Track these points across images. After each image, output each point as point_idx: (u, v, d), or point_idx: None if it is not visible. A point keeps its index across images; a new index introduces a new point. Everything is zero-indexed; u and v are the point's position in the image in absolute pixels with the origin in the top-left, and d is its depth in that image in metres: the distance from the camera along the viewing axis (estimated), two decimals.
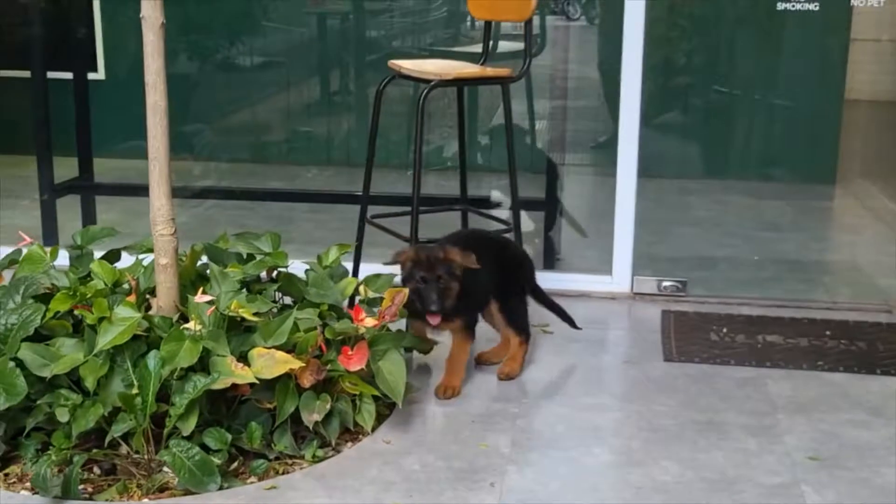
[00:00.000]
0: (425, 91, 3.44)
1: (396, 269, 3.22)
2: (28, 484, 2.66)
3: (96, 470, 2.73)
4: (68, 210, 4.73)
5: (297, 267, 3.26)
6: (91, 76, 5.64)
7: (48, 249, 3.21)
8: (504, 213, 4.07)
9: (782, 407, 3.11)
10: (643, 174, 4.13)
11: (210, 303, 2.89)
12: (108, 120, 5.41)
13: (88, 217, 4.72)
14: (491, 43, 3.87)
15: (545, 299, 3.53)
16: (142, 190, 4.53)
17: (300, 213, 4.99)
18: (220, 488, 2.62)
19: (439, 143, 5.50)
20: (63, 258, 3.25)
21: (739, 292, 4.10)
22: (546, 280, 4.13)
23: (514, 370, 3.34)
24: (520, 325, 3.38)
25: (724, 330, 3.73)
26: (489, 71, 3.63)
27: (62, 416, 2.67)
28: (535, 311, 3.83)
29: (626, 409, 3.11)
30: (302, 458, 2.80)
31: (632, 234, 4.07)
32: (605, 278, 4.12)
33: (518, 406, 3.12)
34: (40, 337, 2.84)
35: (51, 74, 4.71)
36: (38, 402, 2.73)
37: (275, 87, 6.25)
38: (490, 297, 3.33)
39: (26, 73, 5.09)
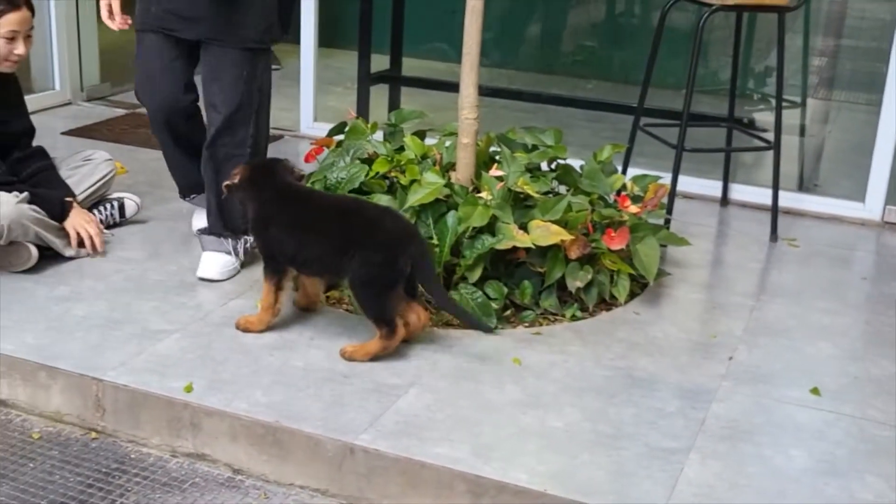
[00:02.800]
0: (706, 14, 3.82)
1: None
2: (345, 304, 3.32)
3: None
4: (376, 97, 5.40)
5: (572, 162, 3.75)
6: None
7: (369, 124, 3.85)
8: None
9: None
10: None
11: (500, 178, 3.44)
12: (416, 23, 6.00)
13: (394, 104, 5.38)
14: None
15: (443, 301, 3.04)
16: (442, 86, 5.18)
17: (578, 121, 5.45)
18: (495, 328, 3.19)
19: (717, 67, 5.82)
20: (377, 134, 3.87)
21: None
22: (802, 202, 4.45)
23: (354, 353, 2.95)
24: (375, 315, 2.95)
25: None
26: None
27: None
28: (785, 224, 4.16)
29: (854, 316, 3.44)
30: (563, 316, 3.32)
31: (889, 166, 4.29)
32: (857, 205, 4.37)
33: (756, 301, 3.51)
34: (361, 192, 3.49)
35: None
36: None
37: (567, 3, 6.70)
38: (311, 257, 3.04)
39: None
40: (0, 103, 3.60)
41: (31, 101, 4.10)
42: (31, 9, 3.52)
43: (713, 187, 4.54)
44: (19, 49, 3.50)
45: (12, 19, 3.44)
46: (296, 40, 5.41)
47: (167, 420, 2.74)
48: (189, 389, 2.76)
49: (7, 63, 3.52)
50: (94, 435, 2.81)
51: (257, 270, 3.51)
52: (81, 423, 2.84)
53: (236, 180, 3.12)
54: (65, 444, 2.77)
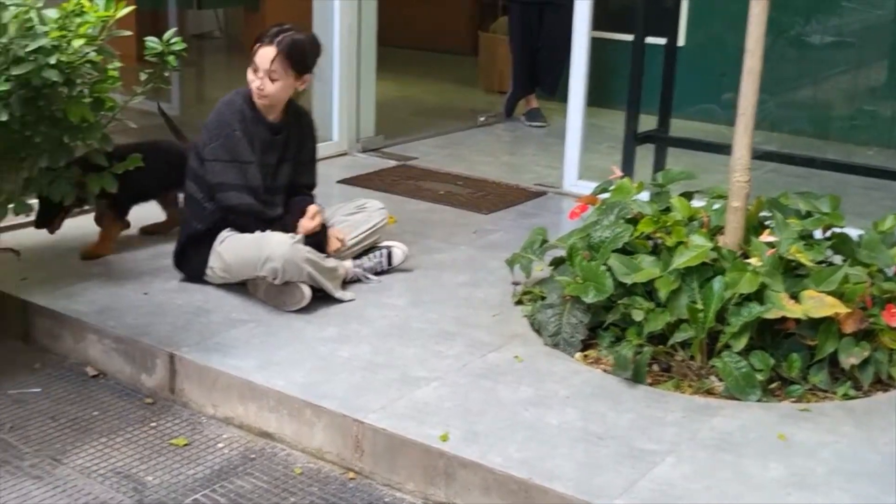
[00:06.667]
0: None
1: None
2: (601, 365, 3.28)
3: (654, 367, 3.28)
4: (640, 157, 5.34)
5: (849, 231, 3.55)
6: None
7: (635, 183, 3.81)
8: None
9: None
10: None
11: (770, 245, 3.30)
12: (684, 84, 5.90)
13: (659, 165, 5.30)
14: None
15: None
16: (711, 147, 5.06)
17: (853, 188, 5.16)
18: (759, 400, 3.05)
19: None
20: (642, 194, 3.81)
21: None
22: None
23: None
24: None
25: None
26: None
27: (637, 316, 3.24)
28: None
29: None
30: (833, 394, 3.13)
31: None
32: None
33: None
34: (625, 251, 3.44)
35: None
36: (618, 302, 3.33)
37: (843, 66, 6.42)
38: None
39: (622, 36, 5.83)
40: (296, 160, 3.86)
41: None
42: (283, 51, 3.62)
43: None
44: (255, 83, 3.67)
45: (257, 52, 3.65)
46: (563, 99, 5.46)
47: (422, 467, 2.78)
48: (445, 438, 2.79)
49: (256, 95, 3.70)
50: (351, 475, 2.89)
51: (514, 324, 3.53)
52: (341, 463, 2.92)
53: None
54: (324, 482, 2.86)
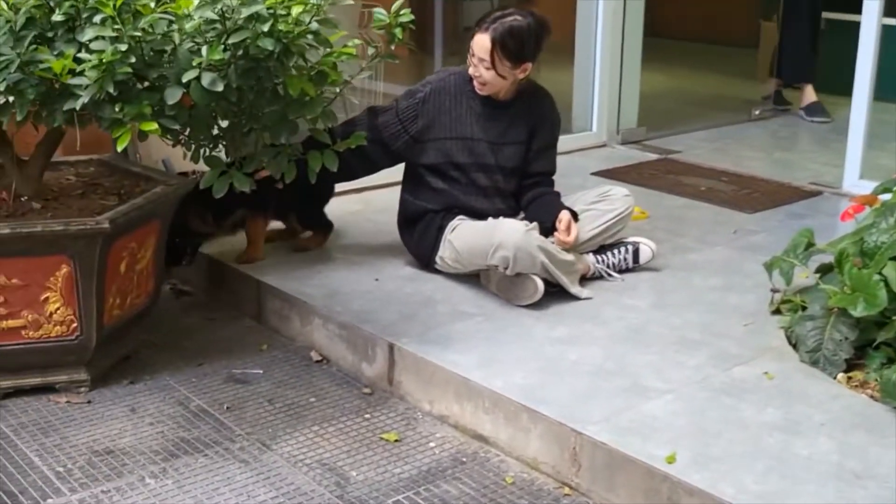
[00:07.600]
0: None
1: None
2: (868, 389, 2.83)
3: None
4: None
5: None
6: None
7: None
8: None
9: None
10: None
11: None
12: None
13: None
14: None
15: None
16: None
17: None
18: None
19: None
20: None
21: None
22: None
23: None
24: None
25: None
26: None
27: None
28: None
29: None
30: None
31: None
32: None
33: None
34: None
35: None
36: (892, 318, 2.87)
37: None
38: None
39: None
40: (528, 144, 3.61)
41: (567, 140, 4.08)
42: (496, 39, 3.36)
43: None
44: (471, 69, 3.48)
45: (474, 37, 3.42)
46: (846, 92, 4.92)
47: (643, 490, 2.46)
48: (671, 460, 2.46)
49: (475, 83, 3.50)
50: (566, 491, 2.62)
51: (768, 336, 3.15)
52: (555, 475, 2.66)
53: None
54: (536, 495, 2.61)
